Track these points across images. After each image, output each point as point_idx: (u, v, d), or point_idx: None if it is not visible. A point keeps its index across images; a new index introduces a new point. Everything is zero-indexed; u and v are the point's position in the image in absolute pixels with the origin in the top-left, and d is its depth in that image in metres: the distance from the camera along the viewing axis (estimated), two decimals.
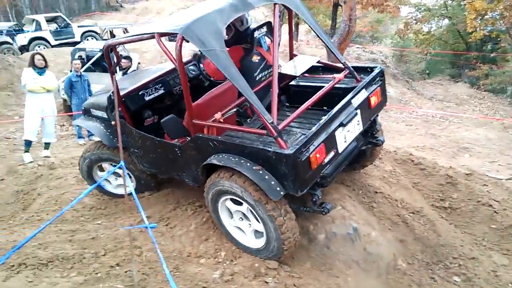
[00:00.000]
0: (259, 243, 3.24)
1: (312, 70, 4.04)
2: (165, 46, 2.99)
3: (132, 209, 4.35)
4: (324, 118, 2.97)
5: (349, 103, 3.22)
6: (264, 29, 3.80)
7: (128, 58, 8.61)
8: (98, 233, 3.72)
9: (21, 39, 17.35)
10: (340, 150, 3.11)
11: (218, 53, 2.79)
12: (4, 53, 14.91)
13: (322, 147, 2.87)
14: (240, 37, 3.78)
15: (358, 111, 3.27)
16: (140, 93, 4.15)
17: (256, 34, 3.71)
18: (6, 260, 3.06)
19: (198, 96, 3.43)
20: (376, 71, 3.67)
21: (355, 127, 3.27)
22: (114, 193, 4.55)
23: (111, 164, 4.31)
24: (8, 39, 17.27)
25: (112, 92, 3.92)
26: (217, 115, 3.18)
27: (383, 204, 4.16)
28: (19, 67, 11.63)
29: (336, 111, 3.07)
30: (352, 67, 3.67)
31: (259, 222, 3.08)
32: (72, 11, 36.40)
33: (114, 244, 3.39)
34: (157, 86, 4.30)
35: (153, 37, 3.10)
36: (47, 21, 18.16)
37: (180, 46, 2.90)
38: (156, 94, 4.32)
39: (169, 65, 4.58)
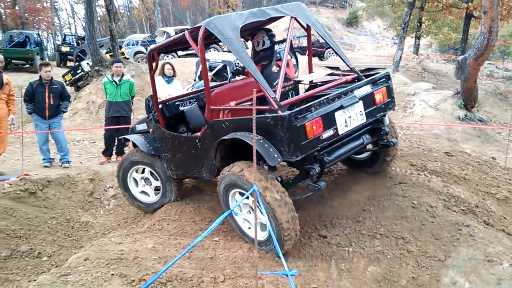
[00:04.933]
0: (264, 235, 3.41)
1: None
2: (193, 41, 3.52)
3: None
4: (324, 97, 3.30)
5: (350, 90, 3.52)
6: (284, 44, 3.99)
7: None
8: (216, 252, 3.50)
9: None
10: (340, 132, 3.36)
11: (234, 41, 3.38)
12: (138, 62, 16.38)
13: (318, 120, 3.15)
14: (259, 57, 4.37)
15: (361, 102, 3.53)
16: (176, 103, 4.73)
17: (276, 48, 4.25)
18: (127, 273, 2.98)
19: None
20: (382, 73, 3.94)
21: (358, 116, 3.51)
22: (136, 197, 4.86)
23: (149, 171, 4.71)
24: (143, 49, 19.06)
25: (150, 96, 4.52)
26: (232, 103, 3.90)
27: None
28: None
29: (336, 94, 3.41)
30: (364, 75, 4.01)
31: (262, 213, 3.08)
32: None
33: (233, 270, 3.11)
34: (191, 100, 4.87)
35: (184, 35, 3.61)
36: (176, 33, 19.51)
37: (202, 37, 3.45)
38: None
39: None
